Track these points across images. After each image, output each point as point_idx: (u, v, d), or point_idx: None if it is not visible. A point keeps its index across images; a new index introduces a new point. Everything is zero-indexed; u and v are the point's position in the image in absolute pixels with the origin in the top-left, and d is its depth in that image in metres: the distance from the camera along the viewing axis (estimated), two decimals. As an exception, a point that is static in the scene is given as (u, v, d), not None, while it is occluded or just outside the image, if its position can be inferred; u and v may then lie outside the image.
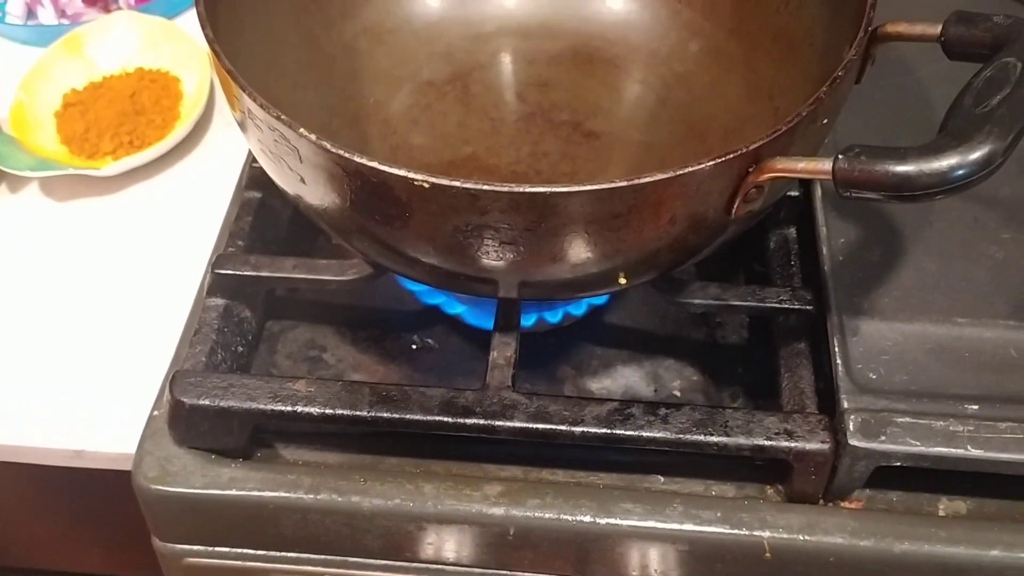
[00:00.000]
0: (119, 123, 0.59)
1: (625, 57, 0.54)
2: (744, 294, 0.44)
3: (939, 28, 0.36)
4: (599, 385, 0.48)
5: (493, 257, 0.36)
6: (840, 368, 0.41)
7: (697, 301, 0.44)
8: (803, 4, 0.47)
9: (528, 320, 0.47)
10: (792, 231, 0.49)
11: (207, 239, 0.51)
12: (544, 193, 0.33)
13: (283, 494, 0.42)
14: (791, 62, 0.48)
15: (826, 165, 0.32)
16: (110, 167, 0.56)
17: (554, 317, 0.48)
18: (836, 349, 0.42)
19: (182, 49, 0.62)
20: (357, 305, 0.51)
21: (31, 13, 0.68)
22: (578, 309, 0.48)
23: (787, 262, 0.48)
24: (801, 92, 0.43)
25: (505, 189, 0.33)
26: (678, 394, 0.48)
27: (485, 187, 0.33)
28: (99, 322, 0.51)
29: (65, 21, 0.67)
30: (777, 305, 0.44)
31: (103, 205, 0.57)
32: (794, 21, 0.48)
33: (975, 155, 0.30)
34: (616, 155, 0.51)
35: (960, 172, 0.30)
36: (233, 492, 0.42)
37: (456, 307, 0.48)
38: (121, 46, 0.63)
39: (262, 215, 0.51)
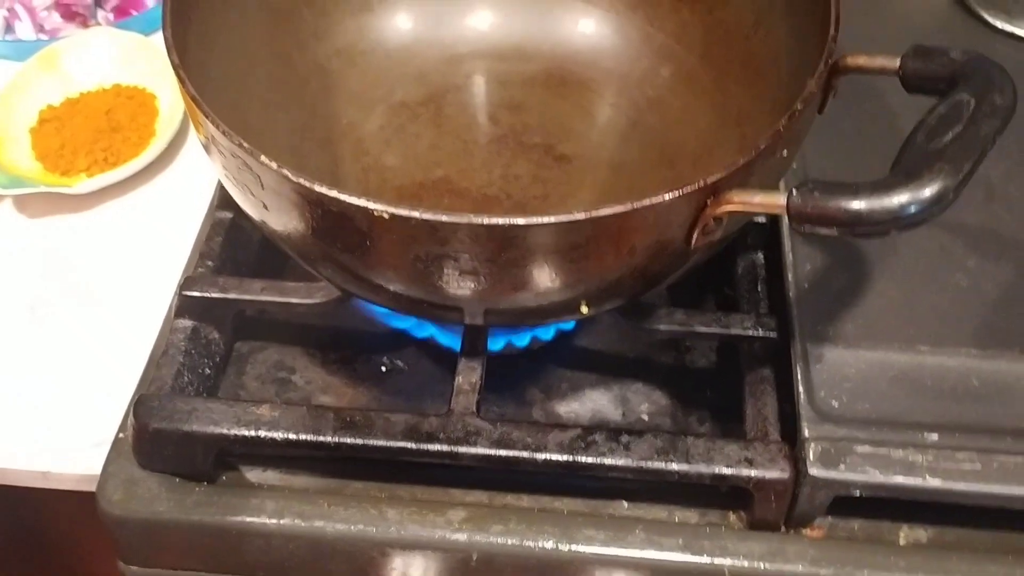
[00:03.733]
0: (94, 140, 0.59)
1: (598, 80, 0.54)
2: (709, 321, 0.44)
3: (897, 62, 0.36)
4: (567, 408, 0.48)
5: (455, 286, 0.37)
6: (802, 396, 0.41)
7: (663, 327, 0.45)
8: (771, 32, 0.47)
9: (497, 344, 0.47)
10: (760, 256, 0.49)
11: (179, 258, 0.52)
12: (503, 225, 0.33)
13: (247, 519, 0.42)
14: (759, 88, 0.48)
15: (781, 200, 0.32)
16: (83, 184, 0.56)
17: (522, 341, 0.48)
18: (799, 377, 0.42)
19: (159, 66, 0.62)
20: (327, 327, 0.51)
21: (9, 27, 0.68)
22: (546, 333, 0.48)
23: (754, 288, 0.48)
24: (768, 119, 0.44)
25: (464, 220, 0.33)
26: (646, 418, 0.48)
27: (444, 218, 0.33)
28: (68, 342, 0.51)
29: (43, 36, 0.67)
30: (741, 333, 0.44)
31: (75, 222, 0.57)
32: (763, 48, 0.48)
33: (926, 193, 0.30)
34: (587, 179, 0.51)
35: (912, 209, 0.30)
36: (196, 517, 0.42)
37: (425, 330, 0.48)
38: (98, 62, 0.63)
39: (233, 235, 0.51)
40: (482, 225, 0.33)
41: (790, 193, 0.32)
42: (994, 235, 0.48)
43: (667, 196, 0.33)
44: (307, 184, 0.34)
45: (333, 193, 0.34)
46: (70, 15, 0.67)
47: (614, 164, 0.52)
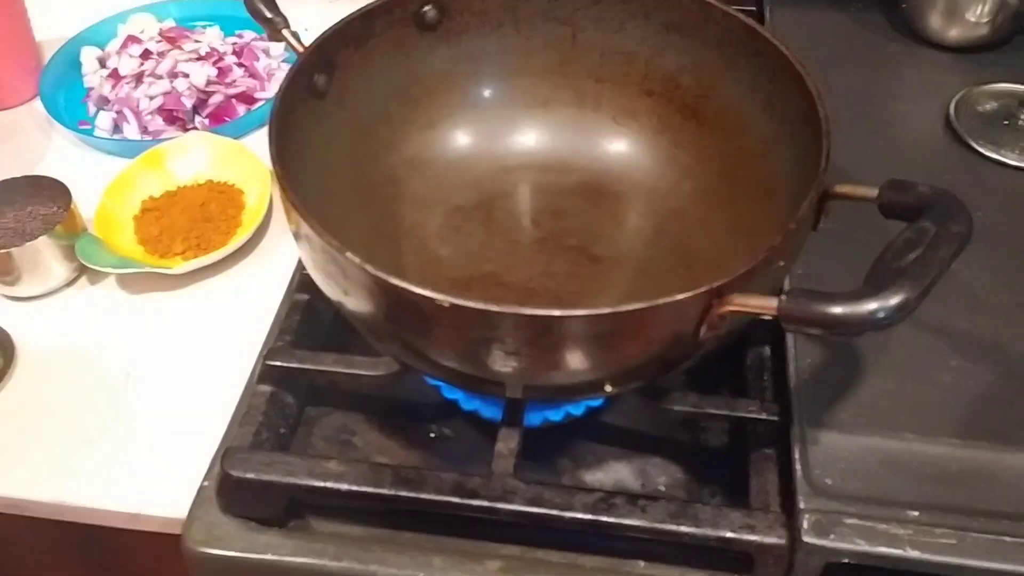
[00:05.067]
0: (189, 228, 0.68)
1: (628, 192, 0.62)
2: (719, 404, 0.51)
3: (876, 192, 0.44)
4: (593, 477, 0.54)
5: (500, 364, 0.44)
6: (799, 472, 0.47)
7: (678, 408, 0.51)
8: (777, 159, 0.55)
9: (534, 419, 0.54)
10: (767, 350, 0.56)
11: (259, 332, 0.59)
12: (542, 316, 0.40)
13: (310, 560, 0.48)
14: (768, 206, 0.55)
15: (773, 303, 0.39)
16: (180, 267, 0.64)
17: (556, 416, 0.55)
18: (797, 456, 0.48)
19: (247, 166, 0.71)
20: (386, 396, 0.58)
21: (117, 128, 0.78)
22: (577, 410, 0.55)
23: (761, 377, 0.54)
24: (775, 232, 0.51)
25: (511, 311, 0.40)
26: (663, 489, 0.54)
27: (495, 308, 0.40)
28: (161, 401, 0.58)
29: (147, 137, 0.77)
30: (746, 415, 0.50)
31: (171, 298, 0.65)
32: (771, 172, 0.56)
33: (891, 303, 0.37)
34: (616, 277, 0.58)
35: (880, 315, 0.37)
36: (268, 556, 0.49)
37: (472, 403, 0.55)
38: (195, 161, 0.72)
39: (308, 314, 0.59)
40: (524, 315, 0.41)
41: (780, 299, 0.39)
42: (977, 339, 0.54)
43: (679, 297, 0.40)
44: (384, 277, 0.42)
45: (405, 285, 0.41)
46: (171, 119, 0.77)
47: (640, 265, 0.59)
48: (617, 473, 0.55)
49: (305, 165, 0.53)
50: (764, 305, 0.39)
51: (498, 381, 0.46)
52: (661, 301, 0.40)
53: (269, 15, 0.55)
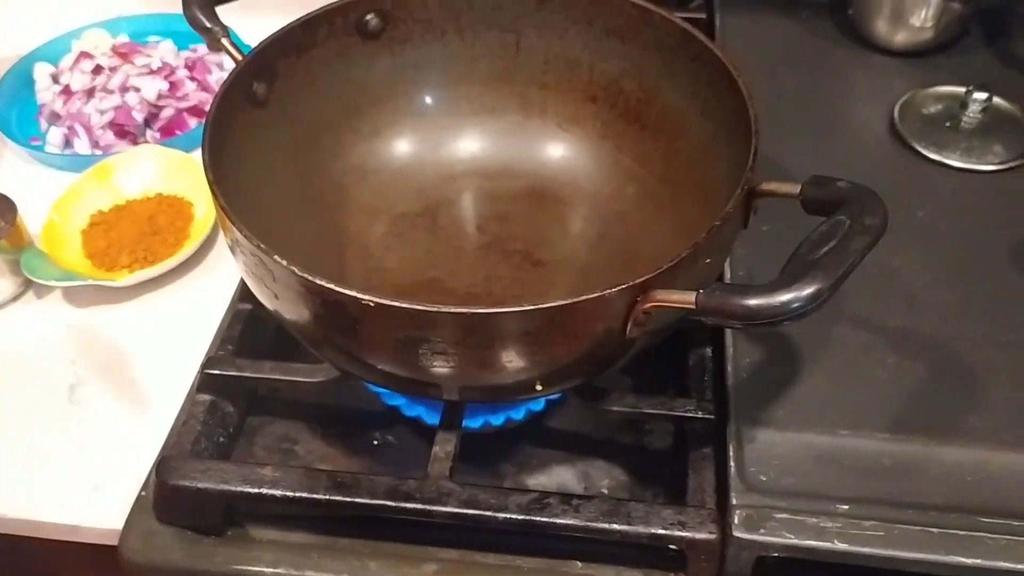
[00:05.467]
0: (137, 241, 0.68)
1: (573, 197, 0.63)
2: (656, 404, 0.51)
3: (798, 188, 0.44)
4: (535, 481, 0.54)
5: (430, 365, 0.44)
6: (733, 470, 0.47)
7: (616, 408, 0.51)
8: (715, 158, 0.55)
9: (475, 423, 0.54)
10: (708, 351, 0.56)
11: (204, 343, 0.59)
12: (467, 314, 0.41)
13: (246, 567, 0.48)
14: (709, 207, 0.55)
15: (691, 297, 0.39)
16: (125, 279, 0.64)
17: (498, 421, 0.55)
18: (731, 454, 0.48)
19: (197, 179, 0.71)
20: (328, 405, 0.58)
21: (68, 143, 0.78)
22: (519, 414, 0.55)
23: (702, 377, 0.55)
24: (722, 230, 0.51)
25: (434, 309, 0.41)
26: (606, 491, 0.54)
27: (419, 307, 0.41)
28: (105, 413, 0.58)
29: (98, 152, 0.77)
30: (683, 414, 0.51)
31: (117, 311, 0.65)
32: (711, 173, 0.56)
33: (804, 293, 0.37)
34: (558, 280, 0.59)
35: (794, 306, 0.37)
36: (204, 566, 0.48)
37: (414, 409, 0.55)
38: (144, 175, 0.72)
39: (251, 324, 0.59)
40: (451, 313, 0.41)
41: (697, 292, 0.39)
42: (913, 337, 0.55)
43: (603, 292, 0.41)
44: (309, 277, 0.42)
45: (329, 285, 0.42)
46: (122, 133, 0.77)
47: (583, 269, 0.59)
48: (560, 477, 0.55)
49: (245, 174, 0.54)
50: (684, 300, 0.40)
51: (432, 383, 0.46)
52: (584, 297, 0.40)
53: (208, 25, 0.55)
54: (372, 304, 0.41)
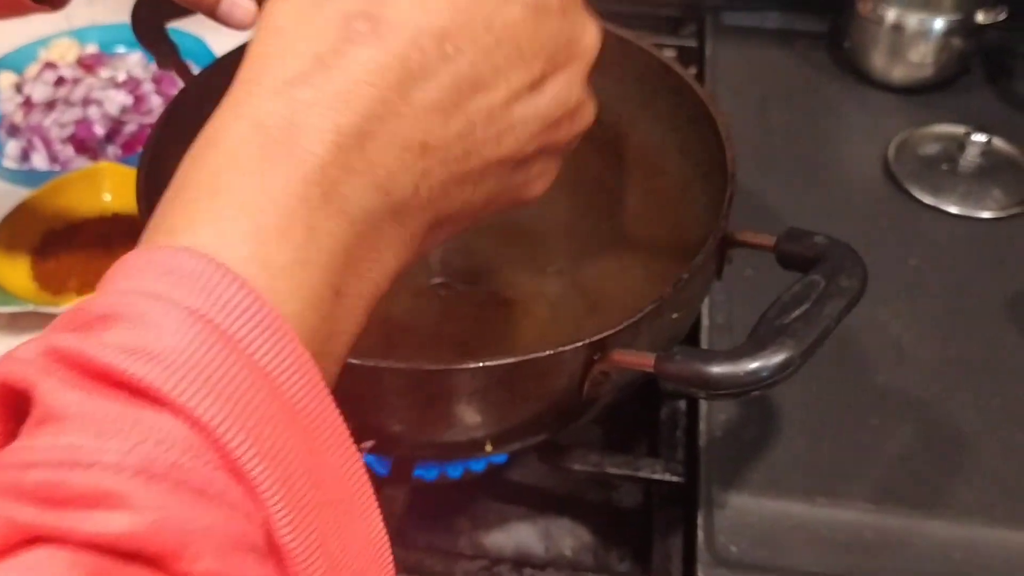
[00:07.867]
0: (87, 263, 0.64)
1: (544, 233, 0.59)
2: (620, 463, 0.47)
3: (773, 241, 0.41)
4: (492, 541, 0.51)
5: (371, 419, 0.40)
6: (701, 539, 0.44)
7: (577, 467, 0.48)
8: (691, 200, 0.52)
9: (430, 474, 0.50)
10: (682, 405, 0.53)
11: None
12: (407, 369, 0.37)
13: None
14: (684, 253, 0.52)
15: (650, 360, 0.36)
16: (69, 305, 0.61)
17: (456, 472, 0.51)
18: (700, 521, 0.45)
19: (155, 199, 0.68)
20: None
21: (25, 156, 0.74)
22: (478, 465, 0.51)
23: (673, 433, 0.51)
24: (691, 283, 0.48)
25: (371, 364, 0.37)
26: (568, 553, 0.50)
27: (354, 361, 0.37)
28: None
29: (56, 167, 0.73)
30: (649, 476, 0.47)
31: (60, 339, 0.61)
32: (686, 213, 0.53)
33: (773, 362, 0.33)
34: (524, 323, 0.55)
35: (762, 375, 0.34)
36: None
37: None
38: (102, 193, 0.69)
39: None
40: (391, 368, 0.37)
41: (656, 356, 0.35)
42: (901, 395, 0.51)
43: (555, 350, 0.37)
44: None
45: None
46: (83, 148, 0.74)
47: (551, 310, 0.56)
48: (519, 535, 0.51)
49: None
50: (642, 362, 0.36)
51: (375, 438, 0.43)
52: (533, 356, 0.37)
53: (156, 43, 0.52)
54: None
